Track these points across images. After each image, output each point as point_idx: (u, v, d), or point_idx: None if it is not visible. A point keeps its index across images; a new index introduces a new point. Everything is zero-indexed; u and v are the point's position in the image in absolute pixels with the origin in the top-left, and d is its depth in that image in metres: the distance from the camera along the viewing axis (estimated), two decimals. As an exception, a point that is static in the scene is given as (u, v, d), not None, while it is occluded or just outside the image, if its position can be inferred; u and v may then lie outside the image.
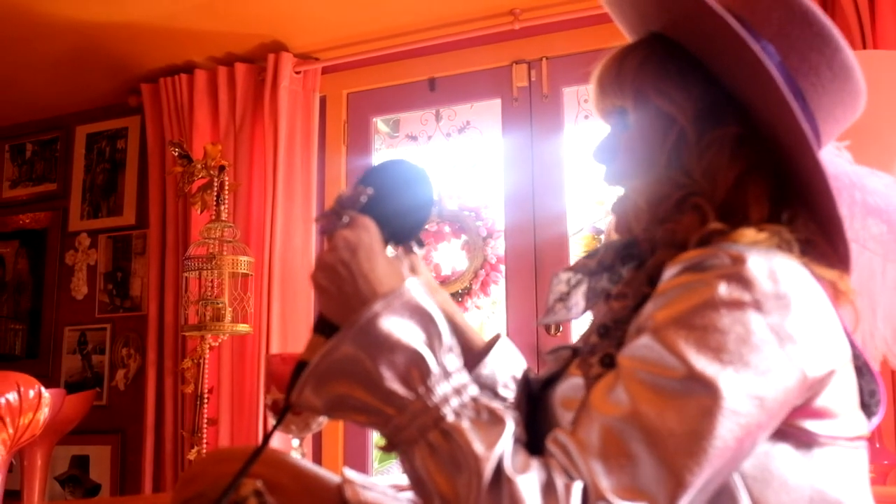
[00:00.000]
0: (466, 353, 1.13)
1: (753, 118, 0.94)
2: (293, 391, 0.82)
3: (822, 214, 0.92)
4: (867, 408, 0.95)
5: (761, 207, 0.91)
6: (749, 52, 0.87)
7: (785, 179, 0.94)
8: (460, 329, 1.15)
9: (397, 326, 0.80)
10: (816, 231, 0.93)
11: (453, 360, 0.82)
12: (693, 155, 0.94)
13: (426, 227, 1.00)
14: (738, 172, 0.92)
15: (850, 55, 0.96)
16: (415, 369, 0.79)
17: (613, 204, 1.05)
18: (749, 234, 0.86)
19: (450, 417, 0.78)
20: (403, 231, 0.96)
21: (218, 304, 2.87)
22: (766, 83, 0.88)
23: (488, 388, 1.11)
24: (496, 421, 0.78)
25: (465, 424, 0.78)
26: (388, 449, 0.82)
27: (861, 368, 0.95)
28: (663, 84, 0.98)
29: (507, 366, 1.15)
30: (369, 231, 0.87)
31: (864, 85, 0.98)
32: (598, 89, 1.05)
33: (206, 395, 2.95)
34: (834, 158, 1.07)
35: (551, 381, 1.02)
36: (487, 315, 3.31)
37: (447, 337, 0.82)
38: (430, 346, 0.81)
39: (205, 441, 2.90)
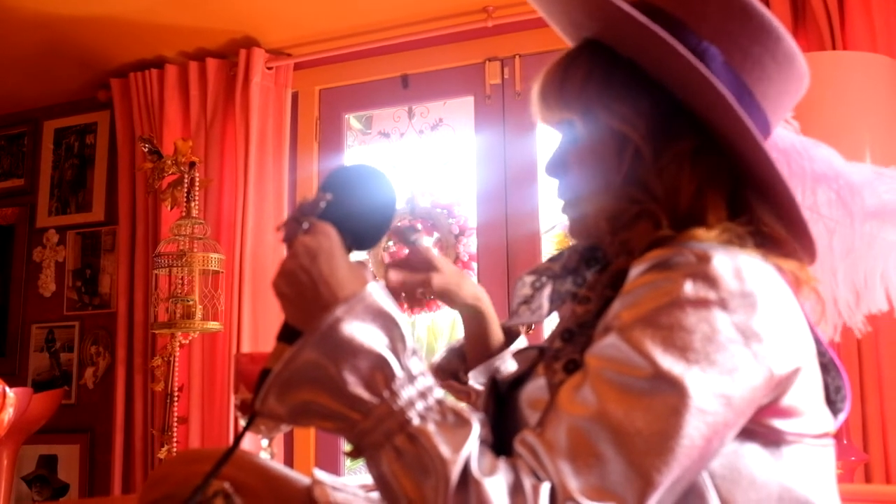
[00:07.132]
0: (489, 344, 1.22)
1: (704, 124, 0.93)
2: (256, 399, 0.81)
3: (782, 210, 0.93)
4: (833, 404, 0.96)
5: (718, 213, 0.91)
6: (681, 60, 0.86)
7: (742, 179, 0.94)
8: (489, 321, 1.24)
9: (360, 331, 0.79)
10: (779, 226, 0.93)
11: (417, 364, 0.81)
12: (651, 173, 0.93)
13: (390, 229, 0.98)
14: (697, 185, 0.91)
15: (791, 42, 0.96)
16: (379, 373, 0.79)
17: (565, 208, 1.04)
18: (698, 233, 0.86)
19: (415, 421, 0.78)
20: (366, 235, 0.94)
21: (188, 301, 2.85)
22: (707, 91, 0.87)
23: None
24: (462, 423, 0.78)
25: (431, 428, 0.77)
26: (354, 454, 0.81)
27: (826, 365, 0.95)
28: (611, 100, 0.95)
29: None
30: (329, 236, 0.86)
31: (806, 67, 0.98)
32: (541, 104, 1.03)
33: (176, 394, 2.93)
34: (782, 131, 1.06)
35: (518, 381, 1.02)
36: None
37: (410, 340, 0.81)
38: (394, 349, 0.80)
39: (175, 440, 2.88)
